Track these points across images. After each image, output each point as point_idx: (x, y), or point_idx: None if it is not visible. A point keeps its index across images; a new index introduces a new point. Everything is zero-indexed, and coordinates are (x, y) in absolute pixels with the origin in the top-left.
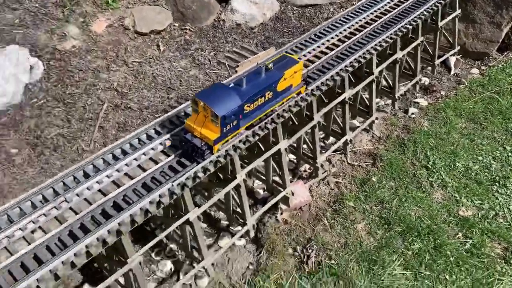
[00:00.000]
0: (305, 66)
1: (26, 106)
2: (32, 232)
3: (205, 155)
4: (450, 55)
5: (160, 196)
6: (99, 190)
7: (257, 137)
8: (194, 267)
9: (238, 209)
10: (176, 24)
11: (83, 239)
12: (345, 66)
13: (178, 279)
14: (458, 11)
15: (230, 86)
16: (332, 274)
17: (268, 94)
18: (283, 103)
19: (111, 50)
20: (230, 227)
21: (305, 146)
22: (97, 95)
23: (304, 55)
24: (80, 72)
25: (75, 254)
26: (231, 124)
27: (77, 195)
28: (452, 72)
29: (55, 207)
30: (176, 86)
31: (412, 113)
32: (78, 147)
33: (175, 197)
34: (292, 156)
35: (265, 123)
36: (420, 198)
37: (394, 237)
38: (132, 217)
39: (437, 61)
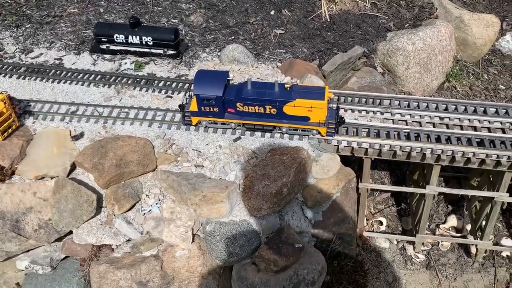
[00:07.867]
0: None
1: None
2: None
3: (184, 120)
4: None
5: None
6: None
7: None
8: None
9: None
10: None
11: None
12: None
13: None
14: None
15: (238, 82)
16: None
17: (271, 109)
18: (296, 129)
19: None
20: None
21: None
22: None
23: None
24: None
25: None
26: (211, 108)
27: None
28: None
29: None
30: None
31: None
32: None
33: None
34: None
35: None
36: None
37: None
38: None
39: None
